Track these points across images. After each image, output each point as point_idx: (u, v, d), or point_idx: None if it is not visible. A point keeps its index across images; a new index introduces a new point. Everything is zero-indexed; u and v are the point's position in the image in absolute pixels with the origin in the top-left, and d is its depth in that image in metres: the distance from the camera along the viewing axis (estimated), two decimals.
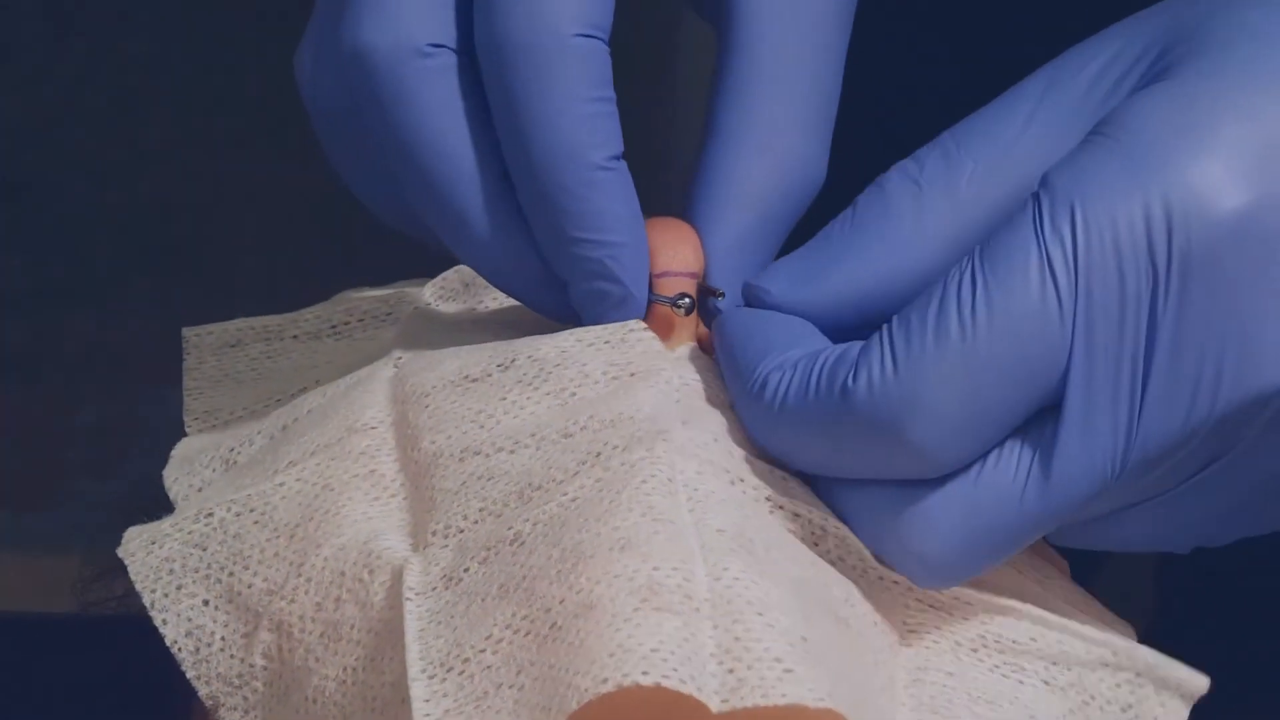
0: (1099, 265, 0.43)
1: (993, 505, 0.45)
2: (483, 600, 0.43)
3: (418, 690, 0.42)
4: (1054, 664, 0.46)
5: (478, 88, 0.48)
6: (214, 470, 0.52)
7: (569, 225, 0.48)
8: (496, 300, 0.56)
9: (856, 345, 0.45)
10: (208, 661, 0.47)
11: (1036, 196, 0.44)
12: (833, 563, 0.46)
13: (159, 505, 0.52)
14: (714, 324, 0.49)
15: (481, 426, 0.47)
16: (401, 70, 0.47)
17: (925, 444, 0.44)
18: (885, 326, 0.45)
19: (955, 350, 0.43)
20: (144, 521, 0.51)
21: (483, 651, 0.42)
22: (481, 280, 0.58)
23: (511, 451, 0.46)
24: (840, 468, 0.46)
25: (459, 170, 0.48)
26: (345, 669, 0.45)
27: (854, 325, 0.48)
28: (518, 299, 0.50)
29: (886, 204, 0.47)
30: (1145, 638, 0.49)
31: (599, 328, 0.49)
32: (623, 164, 0.48)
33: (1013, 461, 0.44)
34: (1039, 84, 0.48)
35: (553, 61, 0.47)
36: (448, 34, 0.48)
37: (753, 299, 0.49)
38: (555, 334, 0.49)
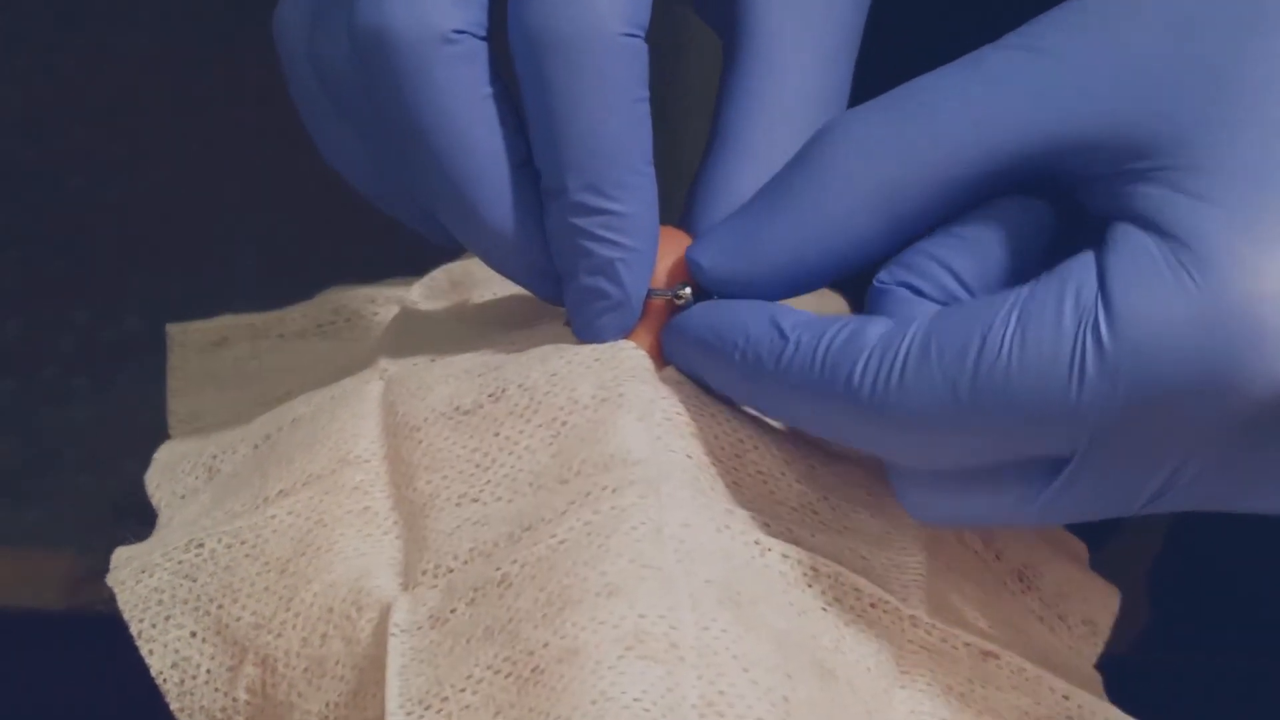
0: (1122, 421, 0.42)
1: (984, 510, 0.45)
2: (467, 641, 0.43)
3: None
4: (1026, 714, 0.46)
5: (499, 74, 0.47)
6: (197, 478, 0.51)
7: (592, 224, 0.47)
8: (483, 300, 0.56)
9: (876, 325, 0.44)
10: (192, 694, 0.47)
11: (1094, 300, 0.42)
12: (826, 605, 0.46)
13: (151, 505, 0.52)
14: (666, 329, 0.48)
15: (478, 466, 0.47)
16: (425, 56, 0.46)
17: (907, 455, 0.44)
18: (916, 324, 0.44)
19: (963, 392, 0.43)
20: (137, 521, 0.51)
21: (462, 691, 0.42)
22: (468, 281, 0.57)
23: (510, 501, 0.46)
24: (836, 438, 0.46)
25: (476, 158, 0.47)
26: (328, 704, 0.45)
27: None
28: (516, 283, 0.50)
29: (820, 159, 0.46)
30: (1137, 641, 0.49)
31: (589, 347, 0.48)
32: (653, 167, 0.47)
33: (1014, 489, 0.44)
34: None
35: (600, 61, 0.46)
36: (472, 19, 0.47)
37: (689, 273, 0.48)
38: (545, 355, 0.48)
